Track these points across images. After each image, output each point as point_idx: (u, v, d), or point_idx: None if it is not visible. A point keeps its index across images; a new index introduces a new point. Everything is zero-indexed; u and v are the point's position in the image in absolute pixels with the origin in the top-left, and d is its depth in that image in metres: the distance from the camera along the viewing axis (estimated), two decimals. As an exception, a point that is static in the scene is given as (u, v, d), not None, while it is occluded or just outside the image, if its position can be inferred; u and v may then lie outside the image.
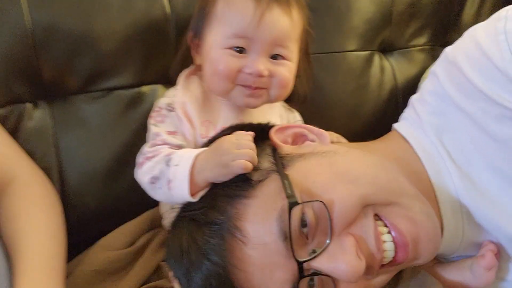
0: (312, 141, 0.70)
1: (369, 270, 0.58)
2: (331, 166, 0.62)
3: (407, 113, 0.77)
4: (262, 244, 0.56)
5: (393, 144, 0.73)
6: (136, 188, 0.89)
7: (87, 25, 0.82)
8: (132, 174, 0.88)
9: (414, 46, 1.14)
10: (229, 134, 0.67)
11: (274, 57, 0.73)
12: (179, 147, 0.72)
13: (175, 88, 0.79)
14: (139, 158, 0.73)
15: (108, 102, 0.87)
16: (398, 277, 0.67)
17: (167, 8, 0.88)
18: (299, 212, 0.56)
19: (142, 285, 0.78)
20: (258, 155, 0.63)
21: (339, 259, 0.55)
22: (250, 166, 0.60)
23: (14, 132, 0.81)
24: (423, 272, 0.68)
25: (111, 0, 0.83)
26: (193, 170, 0.65)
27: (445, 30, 1.17)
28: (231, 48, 0.71)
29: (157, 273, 0.81)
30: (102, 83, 0.87)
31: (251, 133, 0.65)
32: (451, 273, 0.70)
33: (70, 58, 0.83)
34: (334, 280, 0.58)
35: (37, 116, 0.84)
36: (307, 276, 0.57)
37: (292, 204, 0.55)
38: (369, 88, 1.06)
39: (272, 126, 0.72)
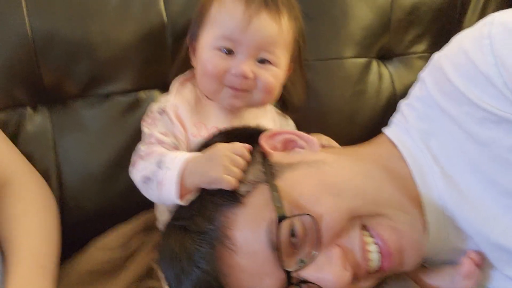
0: (302, 147, 0.71)
1: (355, 280, 0.60)
2: (319, 177, 0.63)
3: (396, 118, 0.77)
4: (251, 252, 0.58)
5: (381, 149, 0.74)
6: (132, 191, 0.90)
7: (85, 32, 0.85)
8: (129, 178, 0.91)
9: (414, 53, 1.14)
10: (222, 139, 0.68)
11: (262, 61, 0.75)
12: (173, 146, 0.74)
13: (169, 94, 0.81)
14: (134, 156, 0.76)
15: (106, 107, 0.89)
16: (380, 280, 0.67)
17: (164, 15, 0.90)
18: (288, 224, 0.58)
19: (135, 285, 0.79)
20: (249, 164, 0.64)
21: (326, 270, 0.57)
22: (236, 185, 0.62)
23: (14, 136, 0.84)
24: (404, 276, 0.68)
25: (108, 8, 0.86)
26: (184, 173, 0.66)
27: (446, 37, 1.15)
28: (219, 49, 0.74)
29: (149, 273, 0.82)
30: (100, 88, 0.89)
31: (248, 146, 0.66)
32: (432, 279, 0.71)
33: (69, 64, 0.86)
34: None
35: (36, 120, 0.86)
36: (295, 284, 0.59)
37: (281, 218, 0.57)
38: (367, 95, 1.07)
39: (263, 131, 0.73)
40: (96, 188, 0.88)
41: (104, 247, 0.82)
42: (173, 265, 0.61)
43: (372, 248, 0.60)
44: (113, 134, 0.89)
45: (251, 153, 0.67)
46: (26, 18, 0.81)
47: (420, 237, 0.63)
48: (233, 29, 0.73)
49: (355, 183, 0.63)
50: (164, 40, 0.91)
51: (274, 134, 0.72)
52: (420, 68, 1.13)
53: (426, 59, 1.14)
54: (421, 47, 1.14)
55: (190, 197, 0.67)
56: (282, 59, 0.77)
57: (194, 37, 0.80)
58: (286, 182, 0.62)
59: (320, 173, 0.64)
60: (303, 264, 0.58)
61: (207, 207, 0.62)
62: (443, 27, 1.15)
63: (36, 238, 0.70)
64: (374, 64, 1.09)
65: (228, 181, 0.61)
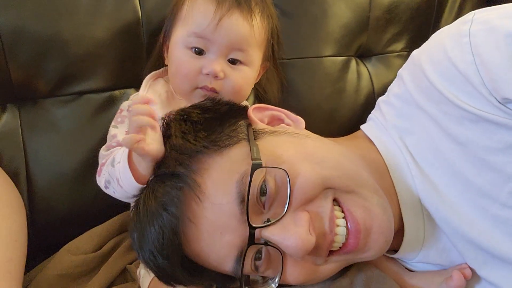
0: (288, 125, 0.70)
1: (318, 251, 0.58)
2: (301, 145, 0.63)
3: (373, 115, 0.77)
4: (218, 204, 0.57)
5: (359, 143, 0.73)
6: (105, 193, 0.89)
7: (55, 29, 0.82)
8: (102, 179, 0.88)
9: (392, 52, 1.14)
10: (213, 115, 0.66)
11: (233, 61, 0.75)
12: None
13: (140, 90, 0.79)
14: (99, 164, 0.74)
15: (78, 106, 0.87)
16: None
17: (139, 11, 0.88)
18: (260, 178, 0.57)
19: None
20: (232, 125, 0.63)
21: (291, 230, 0.56)
22: (148, 147, 0.60)
23: (-19, 135, 0.80)
24: (387, 278, 0.67)
25: (80, 3, 0.84)
26: (131, 159, 0.64)
27: (423, 36, 1.16)
28: (190, 48, 0.74)
29: (122, 275, 0.80)
30: (72, 87, 0.86)
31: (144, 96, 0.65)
32: (417, 283, 0.70)
33: (39, 61, 0.83)
34: (282, 256, 0.58)
35: (5, 119, 0.83)
36: (257, 243, 0.57)
37: (256, 166, 0.56)
38: (346, 93, 1.06)
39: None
40: (67, 190, 0.85)
41: (76, 251, 0.79)
42: (140, 211, 0.60)
43: (341, 222, 0.59)
44: (85, 133, 0.86)
45: (237, 119, 0.66)
46: (-7, 13, 0.78)
47: (391, 223, 0.61)
48: (204, 28, 0.72)
49: (335, 156, 0.63)
50: (139, 37, 0.89)
51: (263, 108, 0.71)
52: (398, 67, 1.12)
53: (404, 57, 1.16)
54: (399, 45, 1.14)
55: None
56: (254, 58, 0.76)
57: (167, 36, 0.79)
58: (267, 143, 0.61)
59: (302, 143, 0.63)
60: (268, 222, 0.57)
61: (184, 152, 0.59)
62: (420, 26, 1.15)
63: (3, 243, 0.67)
64: (353, 62, 1.08)
65: (137, 149, 0.59)
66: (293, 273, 0.60)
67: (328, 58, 1.05)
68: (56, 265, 0.76)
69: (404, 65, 0.73)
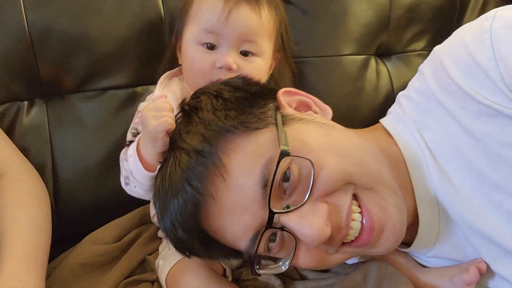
0: (315, 112, 0.71)
1: (331, 242, 0.60)
2: (328, 136, 0.63)
3: (393, 108, 0.77)
4: (240, 185, 0.58)
5: (378, 136, 0.73)
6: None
7: (82, 27, 0.85)
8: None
9: (413, 51, 1.13)
10: (243, 94, 0.66)
11: (245, 53, 0.77)
12: None
13: (155, 89, 0.81)
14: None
15: (102, 102, 0.90)
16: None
17: (161, 10, 0.91)
18: (285, 165, 0.58)
19: (126, 278, 0.79)
20: (262, 107, 0.64)
21: (309, 219, 0.57)
22: (171, 124, 0.62)
23: (10, 129, 0.85)
24: (396, 273, 0.68)
25: (105, 3, 0.87)
26: (140, 149, 0.67)
27: (445, 35, 1.14)
28: (202, 44, 0.76)
29: (141, 266, 0.82)
30: (97, 83, 0.90)
31: (164, 94, 0.68)
32: (429, 279, 0.70)
33: (66, 58, 0.86)
34: (296, 241, 0.60)
35: (33, 113, 0.87)
36: (274, 228, 0.58)
37: (284, 154, 0.56)
38: (365, 92, 1.06)
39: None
40: (91, 182, 0.88)
41: (98, 241, 0.82)
42: (165, 181, 0.61)
43: (356, 217, 0.60)
44: (109, 128, 0.89)
45: (266, 102, 0.66)
46: (23, 13, 0.82)
47: (404, 224, 0.62)
48: (214, 23, 0.74)
49: (359, 152, 0.63)
50: (161, 35, 0.91)
51: (293, 92, 0.72)
52: (419, 66, 1.15)
53: (425, 56, 1.13)
54: (420, 44, 1.13)
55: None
56: (265, 48, 0.78)
57: (179, 36, 0.81)
58: (295, 130, 0.62)
59: (329, 134, 0.64)
60: (288, 209, 0.58)
61: (211, 128, 0.60)
62: (442, 25, 1.14)
63: (27, 230, 0.70)
64: (373, 61, 1.09)
65: (159, 125, 0.61)
66: (304, 258, 0.61)
67: (347, 56, 1.05)
68: (78, 254, 0.79)
69: (425, 60, 0.74)
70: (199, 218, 0.59)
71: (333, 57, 1.04)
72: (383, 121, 0.77)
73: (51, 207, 0.81)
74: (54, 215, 0.83)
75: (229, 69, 0.74)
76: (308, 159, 0.57)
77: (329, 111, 0.71)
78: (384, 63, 1.10)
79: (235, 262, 0.80)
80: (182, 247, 0.64)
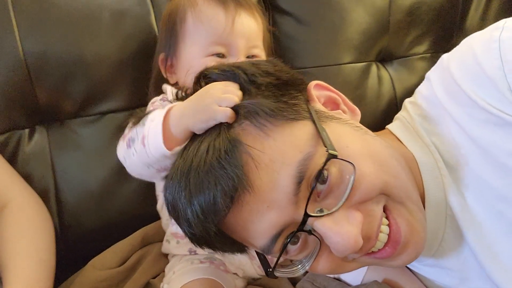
0: (343, 112, 0.68)
1: (356, 251, 0.57)
2: (364, 141, 0.61)
3: (400, 114, 0.76)
4: (274, 170, 0.54)
5: (392, 142, 0.71)
6: (130, 206, 0.92)
7: (78, 52, 0.86)
8: (127, 193, 0.92)
9: (414, 54, 1.11)
10: (271, 79, 0.62)
11: (251, 58, 0.78)
12: None
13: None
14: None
15: (101, 125, 0.91)
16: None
17: (156, 30, 0.91)
18: (328, 166, 0.55)
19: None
20: (293, 98, 0.61)
21: (344, 227, 0.54)
22: (233, 116, 0.57)
23: (13, 157, 0.86)
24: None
25: (100, 26, 0.87)
26: (168, 119, 0.61)
27: (447, 36, 1.14)
28: (212, 55, 0.77)
29: (148, 289, 0.83)
30: (95, 107, 0.90)
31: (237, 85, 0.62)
32: None
33: (64, 84, 0.87)
34: (320, 246, 0.58)
35: (34, 140, 0.88)
36: (304, 231, 0.56)
37: (331, 156, 0.54)
38: (367, 100, 1.05)
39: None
40: (94, 205, 0.89)
41: (100, 266, 0.82)
42: (194, 159, 0.56)
43: (384, 229, 0.59)
44: (109, 151, 0.89)
45: (297, 93, 0.63)
46: (18, 41, 0.83)
47: (425, 241, 0.61)
48: (221, 34, 0.75)
49: (393, 162, 0.61)
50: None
51: (324, 87, 0.69)
52: (422, 69, 1.13)
53: (427, 59, 1.13)
54: (422, 48, 1.11)
55: (178, 149, 0.61)
56: (263, 50, 0.81)
57: (170, 55, 0.81)
58: (332, 130, 0.59)
59: (364, 139, 0.62)
60: (322, 213, 0.55)
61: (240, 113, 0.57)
62: (444, 26, 1.12)
63: (32, 262, 0.71)
64: (374, 68, 1.07)
65: (225, 112, 0.56)
66: (322, 263, 0.59)
67: (347, 65, 1.04)
68: (82, 281, 0.79)
69: (433, 67, 0.73)
70: (228, 205, 0.54)
71: (333, 66, 1.03)
72: (390, 127, 0.75)
73: (56, 231, 0.82)
74: (59, 239, 0.84)
75: None
76: (352, 164, 0.55)
77: (358, 113, 0.69)
78: (385, 69, 1.09)
79: (240, 284, 0.80)
80: (196, 237, 0.59)
